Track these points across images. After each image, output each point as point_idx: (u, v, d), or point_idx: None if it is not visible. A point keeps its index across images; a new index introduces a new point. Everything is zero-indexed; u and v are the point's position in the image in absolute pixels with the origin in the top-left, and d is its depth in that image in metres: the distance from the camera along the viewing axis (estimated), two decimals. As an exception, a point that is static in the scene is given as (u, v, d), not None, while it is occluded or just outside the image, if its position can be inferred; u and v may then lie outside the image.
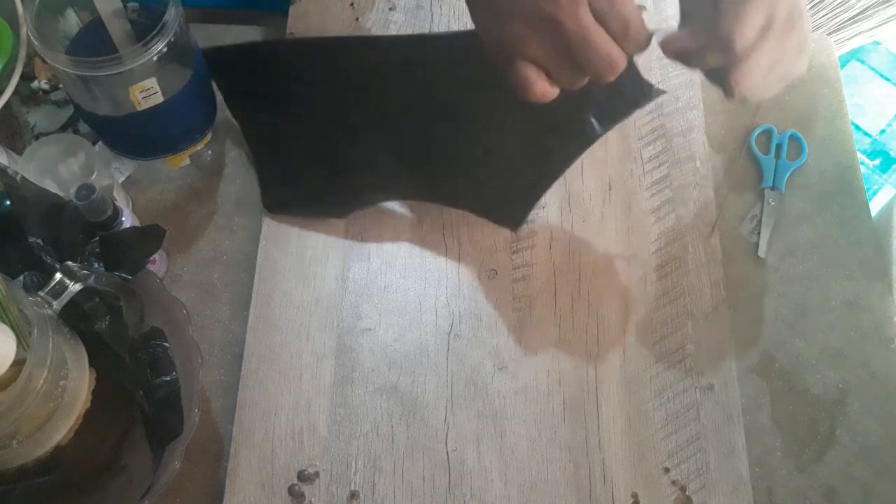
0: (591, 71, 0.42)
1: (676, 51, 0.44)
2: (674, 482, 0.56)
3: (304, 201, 0.65)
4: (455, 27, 0.73)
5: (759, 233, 0.66)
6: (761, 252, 0.65)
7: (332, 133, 0.63)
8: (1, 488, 0.44)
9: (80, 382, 0.47)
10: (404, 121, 0.61)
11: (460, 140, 0.61)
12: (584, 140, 0.57)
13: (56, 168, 0.61)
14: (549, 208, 0.66)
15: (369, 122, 0.62)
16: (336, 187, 0.65)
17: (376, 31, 0.73)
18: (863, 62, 1.60)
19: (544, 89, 0.44)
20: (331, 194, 0.65)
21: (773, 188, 0.68)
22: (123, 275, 0.50)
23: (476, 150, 0.61)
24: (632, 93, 0.53)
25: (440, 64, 0.57)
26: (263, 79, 0.63)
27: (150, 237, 0.53)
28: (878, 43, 1.60)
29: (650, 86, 0.53)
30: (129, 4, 0.57)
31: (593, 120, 0.55)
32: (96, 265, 0.50)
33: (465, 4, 0.46)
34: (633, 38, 0.41)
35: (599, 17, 0.41)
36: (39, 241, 0.50)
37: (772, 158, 0.69)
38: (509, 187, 0.63)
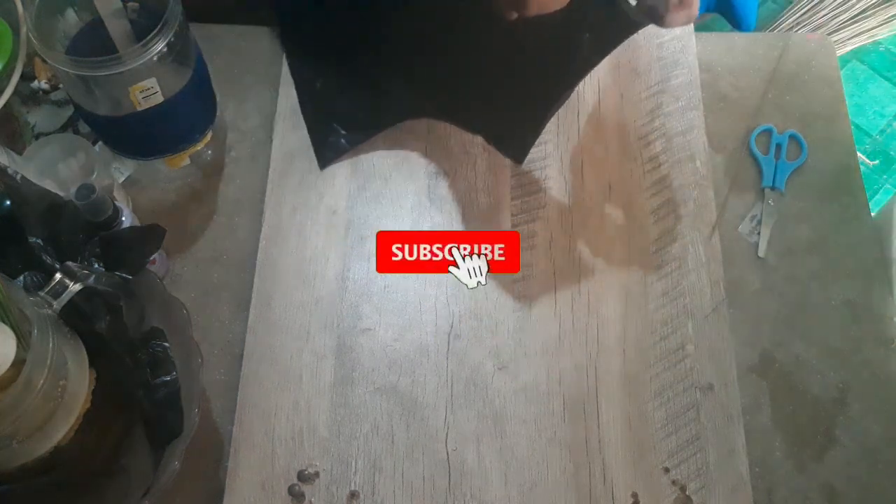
0: None
1: None
2: (674, 482, 0.56)
3: (345, 125, 0.68)
4: None
5: (759, 233, 0.66)
6: (761, 252, 0.65)
7: (359, 55, 0.69)
8: (1, 488, 0.44)
9: (80, 382, 0.46)
10: (420, 41, 0.66)
11: (469, 59, 0.66)
12: (582, 66, 0.60)
13: (56, 168, 0.61)
14: (549, 208, 0.66)
15: (391, 43, 0.67)
16: (368, 103, 0.69)
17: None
18: (863, 62, 1.60)
19: None
20: (363, 111, 0.69)
21: (773, 188, 0.68)
22: (123, 275, 0.50)
23: (482, 69, 0.66)
24: (621, 21, 0.55)
25: None
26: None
27: (150, 237, 0.53)
28: (878, 43, 1.60)
29: (635, 20, 0.55)
30: (129, 4, 0.57)
31: (588, 44, 0.58)
32: (96, 265, 0.50)
33: None
34: None
35: None
36: (39, 241, 0.50)
37: (772, 158, 0.69)
38: (515, 112, 0.66)
